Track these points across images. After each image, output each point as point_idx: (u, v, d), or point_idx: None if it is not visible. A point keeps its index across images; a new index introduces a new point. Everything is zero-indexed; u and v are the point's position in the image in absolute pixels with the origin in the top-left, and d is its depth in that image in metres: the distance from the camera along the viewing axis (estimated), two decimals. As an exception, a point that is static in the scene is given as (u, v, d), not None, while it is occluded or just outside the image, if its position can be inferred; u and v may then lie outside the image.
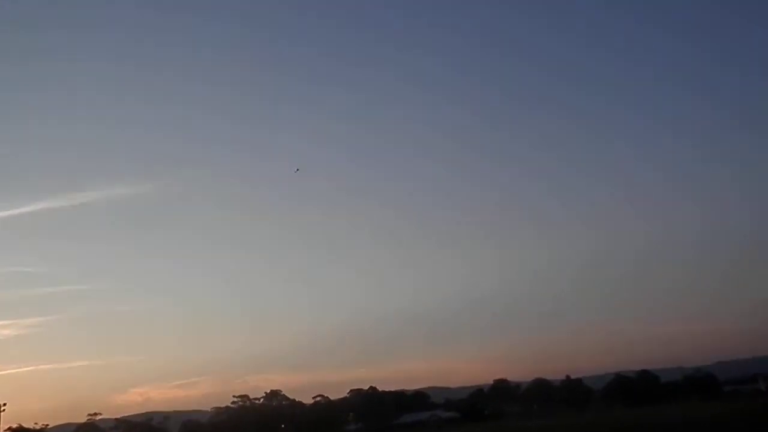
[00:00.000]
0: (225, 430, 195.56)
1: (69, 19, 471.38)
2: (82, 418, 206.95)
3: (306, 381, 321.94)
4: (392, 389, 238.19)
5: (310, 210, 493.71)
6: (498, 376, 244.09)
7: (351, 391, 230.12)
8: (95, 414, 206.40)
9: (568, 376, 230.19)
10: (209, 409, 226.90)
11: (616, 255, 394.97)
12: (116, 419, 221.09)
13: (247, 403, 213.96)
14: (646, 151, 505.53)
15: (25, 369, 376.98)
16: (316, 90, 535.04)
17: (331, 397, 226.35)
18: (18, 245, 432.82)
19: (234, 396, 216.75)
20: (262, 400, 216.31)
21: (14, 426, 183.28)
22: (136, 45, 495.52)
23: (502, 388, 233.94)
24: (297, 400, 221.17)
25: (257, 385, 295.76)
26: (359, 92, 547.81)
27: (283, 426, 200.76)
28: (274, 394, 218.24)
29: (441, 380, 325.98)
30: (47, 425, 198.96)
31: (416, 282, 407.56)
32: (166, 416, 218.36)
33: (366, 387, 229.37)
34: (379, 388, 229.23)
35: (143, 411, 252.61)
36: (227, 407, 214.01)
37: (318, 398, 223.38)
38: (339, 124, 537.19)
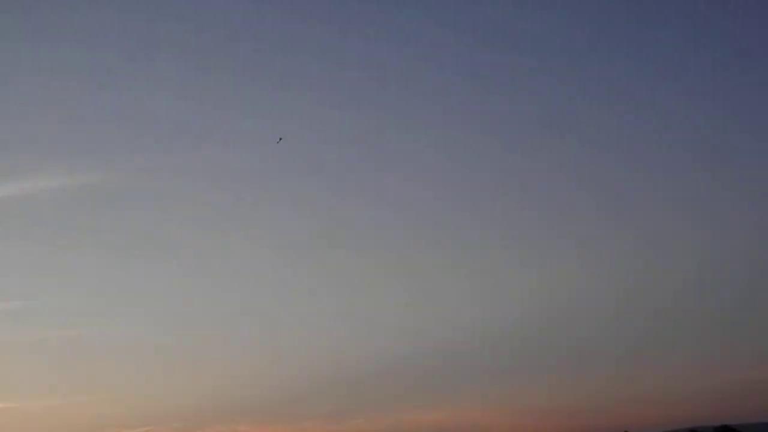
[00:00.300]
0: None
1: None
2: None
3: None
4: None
5: (305, 219, 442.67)
6: (533, 431, 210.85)
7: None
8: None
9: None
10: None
11: (694, 281, 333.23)
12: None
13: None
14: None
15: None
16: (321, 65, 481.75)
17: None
18: None
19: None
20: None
21: None
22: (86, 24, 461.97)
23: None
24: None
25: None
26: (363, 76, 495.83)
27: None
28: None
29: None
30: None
31: (424, 309, 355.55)
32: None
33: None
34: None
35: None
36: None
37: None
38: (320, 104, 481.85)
